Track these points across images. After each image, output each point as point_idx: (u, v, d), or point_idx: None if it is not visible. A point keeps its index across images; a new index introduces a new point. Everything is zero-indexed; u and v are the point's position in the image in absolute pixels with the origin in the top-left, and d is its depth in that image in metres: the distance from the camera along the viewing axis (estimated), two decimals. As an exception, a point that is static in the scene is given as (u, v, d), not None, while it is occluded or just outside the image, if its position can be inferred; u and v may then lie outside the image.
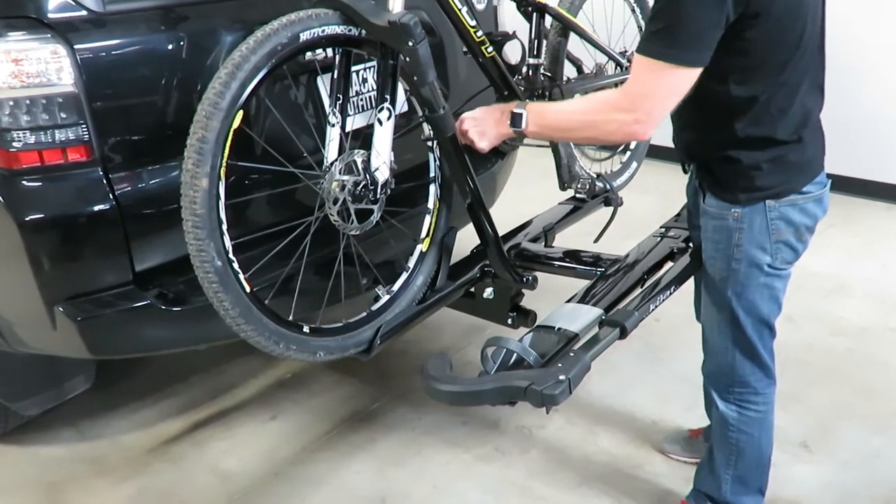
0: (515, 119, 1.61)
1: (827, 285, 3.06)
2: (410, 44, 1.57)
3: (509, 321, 2.11)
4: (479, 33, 1.91)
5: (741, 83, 1.49)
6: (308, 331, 1.66)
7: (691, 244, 2.08)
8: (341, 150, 1.65)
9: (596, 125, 1.54)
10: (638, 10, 2.64)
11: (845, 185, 3.59)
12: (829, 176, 1.67)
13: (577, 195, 2.48)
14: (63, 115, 1.61)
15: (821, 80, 1.60)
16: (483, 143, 1.72)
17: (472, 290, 2.11)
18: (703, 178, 1.67)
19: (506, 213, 2.46)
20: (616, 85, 2.50)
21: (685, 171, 1.88)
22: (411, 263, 1.93)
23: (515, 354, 1.57)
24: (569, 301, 1.88)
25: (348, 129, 1.68)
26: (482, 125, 1.71)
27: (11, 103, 1.56)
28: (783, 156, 1.56)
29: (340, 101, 1.67)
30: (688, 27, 1.38)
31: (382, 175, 1.65)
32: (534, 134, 1.64)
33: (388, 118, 1.64)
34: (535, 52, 2.24)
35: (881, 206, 3.75)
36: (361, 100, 2.05)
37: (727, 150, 1.57)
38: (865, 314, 2.87)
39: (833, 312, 2.87)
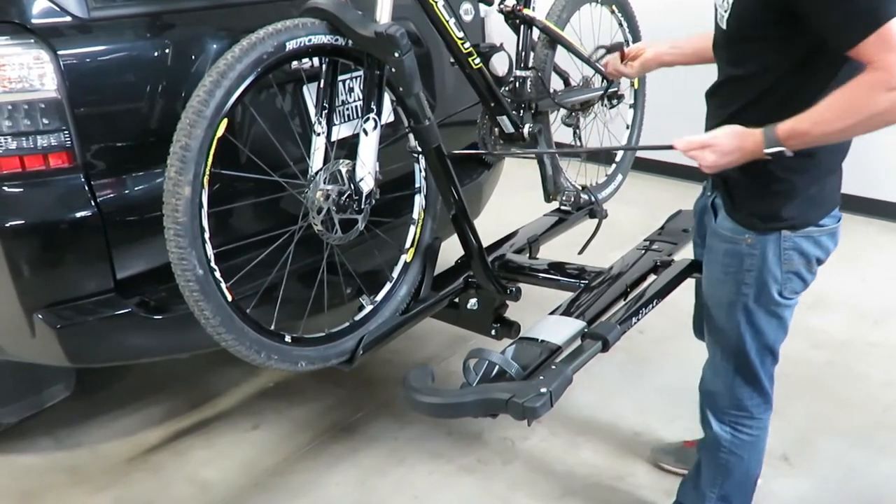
0: (776, 155, 1.42)
1: (807, 299, 3.04)
2: (396, 54, 1.57)
3: (493, 332, 2.11)
4: (467, 45, 1.92)
5: (829, 91, 1.40)
6: (290, 340, 1.66)
7: (674, 258, 2.09)
8: (326, 160, 1.65)
9: (868, 114, 1.35)
10: (625, 24, 2.66)
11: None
12: None
13: (563, 207, 2.49)
14: (45, 121, 1.60)
15: None
16: (716, 167, 1.52)
17: (456, 300, 2.11)
18: (720, 198, 1.62)
19: (490, 225, 2.47)
20: (602, 97, 2.52)
21: (707, 191, 1.76)
22: (395, 273, 1.93)
23: (497, 366, 1.57)
24: (552, 313, 1.88)
25: (334, 138, 1.68)
26: (724, 156, 1.48)
27: (-7, 108, 1.55)
28: (818, 187, 1.52)
29: (326, 111, 1.67)
30: None
31: (367, 185, 1.65)
32: (798, 148, 1.45)
33: (374, 128, 1.64)
34: (522, 65, 2.25)
35: (860, 220, 3.79)
36: (347, 109, 2.05)
37: (766, 172, 1.49)
38: (845, 328, 2.90)
39: (813, 326, 2.90)
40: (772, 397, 1.76)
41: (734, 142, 1.46)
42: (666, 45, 1.98)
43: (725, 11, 1.49)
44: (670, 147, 1.53)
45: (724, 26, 1.51)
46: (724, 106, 1.57)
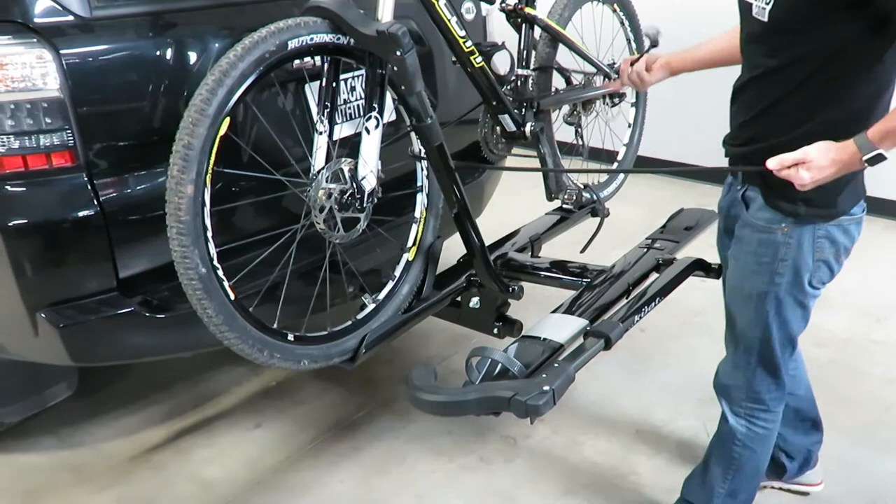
0: (874, 160, 1.42)
1: (810, 297, 3.08)
2: (398, 53, 1.57)
3: (495, 331, 2.11)
4: (469, 43, 1.92)
5: (872, 78, 1.43)
6: (292, 339, 1.66)
7: (676, 256, 2.09)
8: (328, 159, 1.65)
9: None
10: (626, 23, 2.66)
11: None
12: None
13: (564, 206, 2.49)
14: (48, 121, 1.60)
15: None
16: (813, 184, 1.49)
17: (459, 299, 2.11)
18: (755, 190, 1.62)
19: (493, 223, 2.47)
20: (605, 97, 2.52)
21: (737, 183, 1.72)
22: (397, 272, 1.93)
23: (500, 365, 1.57)
24: (554, 311, 1.88)
25: (336, 137, 1.68)
26: (820, 171, 1.45)
27: (-5, 108, 1.55)
28: (854, 175, 1.52)
29: (328, 110, 1.67)
30: None
31: (369, 184, 1.65)
32: (892, 148, 1.45)
33: (376, 127, 1.64)
34: (523, 63, 2.25)
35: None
36: (349, 108, 2.05)
37: None
38: (847, 326, 2.90)
39: (815, 324, 2.85)
40: (786, 390, 1.76)
41: (829, 155, 1.44)
42: (673, 54, 1.98)
43: (767, 3, 1.48)
44: (763, 168, 1.50)
45: (764, 18, 1.50)
46: (759, 99, 1.56)
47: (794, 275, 1.60)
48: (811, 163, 1.44)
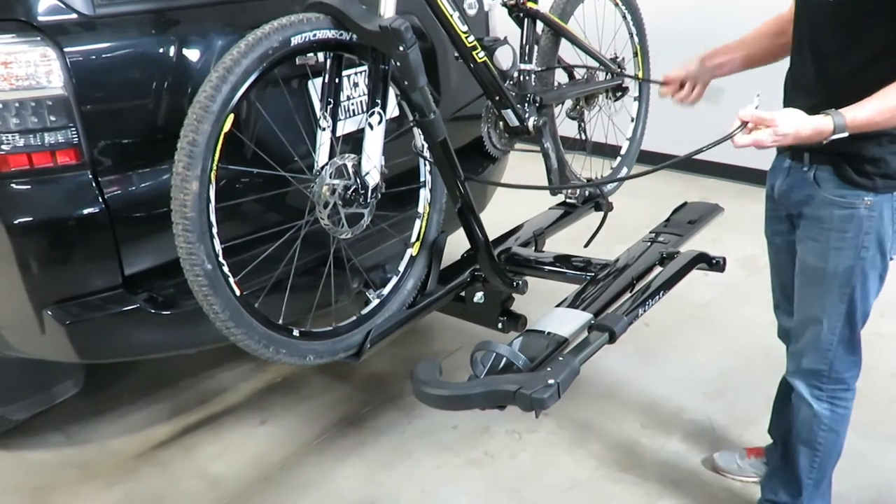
0: (837, 139, 1.48)
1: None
2: (401, 49, 1.57)
3: (499, 325, 2.12)
4: (471, 38, 1.92)
5: None
6: (298, 334, 1.66)
7: (680, 249, 2.08)
8: (332, 154, 1.65)
9: None
10: (629, 17, 2.65)
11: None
12: None
13: (568, 200, 2.49)
14: (52, 118, 1.61)
15: None
16: (775, 145, 1.55)
17: (463, 294, 2.11)
18: (827, 167, 1.61)
19: (496, 218, 2.47)
20: (607, 91, 2.52)
21: (803, 166, 1.68)
22: (401, 267, 1.93)
23: (505, 359, 1.57)
24: (559, 305, 1.88)
25: (339, 133, 1.68)
26: (780, 143, 1.52)
27: (0, 106, 1.56)
28: None
29: (331, 105, 1.67)
30: None
31: (373, 179, 1.65)
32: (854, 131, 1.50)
33: (379, 122, 1.64)
34: (526, 58, 2.25)
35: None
36: (352, 104, 2.05)
37: (882, 133, 1.53)
38: (853, 319, 2.89)
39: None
40: (861, 364, 1.78)
41: (794, 125, 1.48)
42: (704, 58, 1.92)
43: None
44: (741, 127, 1.52)
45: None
46: (824, 85, 1.56)
47: (878, 246, 1.62)
48: (777, 128, 1.48)
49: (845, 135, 1.47)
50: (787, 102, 1.67)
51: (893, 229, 1.63)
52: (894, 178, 1.58)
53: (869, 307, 1.71)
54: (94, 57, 1.66)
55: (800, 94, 1.64)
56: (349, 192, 1.63)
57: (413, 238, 1.96)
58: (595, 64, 2.48)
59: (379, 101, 1.64)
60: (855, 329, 1.71)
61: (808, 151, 1.64)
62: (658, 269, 2.08)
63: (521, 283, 2.06)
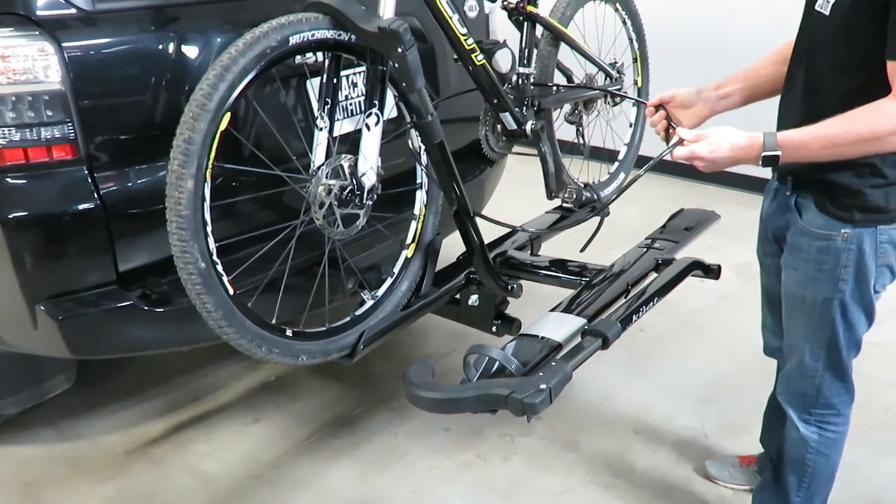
0: (768, 161, 1.46)
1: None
2: (400, 50, 1.57)
3: (494, 329, 2.12)
4: (470, 41, 1.92)
5: None
6: (291, 334, 1.66)
7: (676, 256, 2.08)
8: (328, 155, 1.65)
9: (879, 140, 1.41)
10: (629, 22, 2.66)
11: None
12: None
13: (565, 204, 2.49)
14: (49, 113, 1.60)
15: None
16: (709, 169, 1.55)
17: (458, 296, 2.11)
18: (807, 196, 1.59)
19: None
20: (606, 96, 2.52)
21: (787, 190, 1.67)
22: (396, 269, 1.93)
23: (497, 362, 1.57)
24: (553, 310, 1.88)
25: (336, 133, 1.68)
26: (716, 155, 1.51)
27: (-3, 100, 1.56)
28: None
29: (329, 106, 1.67)
30: None
31: (369, 180, 1.65)
32: (790, 161, 1.49)
33: (377, 123, 1.64)
34: (525, 62, 2.25)
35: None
36: (350, 104, 2.05)
37: (862, 163, 1.48)
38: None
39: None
40: (854, 391, 1.74)
41: (730, 139, 1.48)
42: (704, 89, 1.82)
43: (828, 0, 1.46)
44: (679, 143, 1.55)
45: (826, 12, 1.48)
46: (815, 101, 1.53)
47: (857, 280, 1.57)
48: (710, 138, 1.49)
49: (777, 153, 1.43)
50: (778, 122, 1.64)
51: (878, 265, 1.56)
52: (873, 211, 1.52)
53: (858, 336, 1.66)
54: (92, 52, 1.66)
55: (787, 109, 1.62)
56: (345, 192, 1.63)
57: (409, 240, 1.96)
58: (594, 69, 2.48)
59: (377, 102, 1.64)
60: (841, 356, 1.66)
61: (791, 175, 1.62)
62: (653, 276, 2.08)
63: (516, 286, 2.06)
